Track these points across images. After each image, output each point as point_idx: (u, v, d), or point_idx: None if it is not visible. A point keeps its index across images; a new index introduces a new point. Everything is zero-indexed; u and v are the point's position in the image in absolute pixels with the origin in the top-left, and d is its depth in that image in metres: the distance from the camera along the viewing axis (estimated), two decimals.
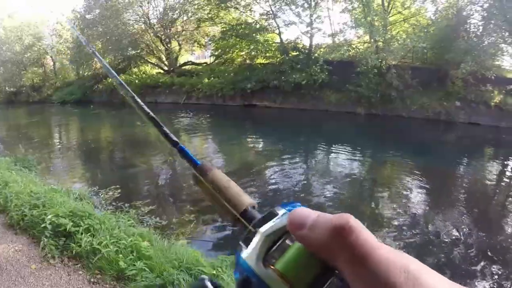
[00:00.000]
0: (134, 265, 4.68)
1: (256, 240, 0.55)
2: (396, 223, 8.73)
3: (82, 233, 5.28)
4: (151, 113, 0.85)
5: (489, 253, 7.38)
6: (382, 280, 0.42)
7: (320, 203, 10.05)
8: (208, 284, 0.65)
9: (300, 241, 0.50)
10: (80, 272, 4.82)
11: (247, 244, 0.56)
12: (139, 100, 0.84)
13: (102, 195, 9.72)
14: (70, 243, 5.19)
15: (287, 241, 0.54)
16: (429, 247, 7.68)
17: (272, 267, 0.52)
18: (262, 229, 0.55)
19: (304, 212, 0.51)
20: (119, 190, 10.08)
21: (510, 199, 11.52)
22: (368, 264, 0.43)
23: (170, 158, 14.80)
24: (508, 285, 6.45)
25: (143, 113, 0.89)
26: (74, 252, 5.05)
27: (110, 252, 4.89)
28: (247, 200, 0.68)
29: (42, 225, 5.52)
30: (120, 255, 4.86)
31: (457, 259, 7.26)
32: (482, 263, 7.05)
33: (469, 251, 7.62)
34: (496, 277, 6.68)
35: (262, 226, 0.56)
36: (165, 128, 0.81)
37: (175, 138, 0.80)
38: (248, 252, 0.54)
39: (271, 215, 0.57)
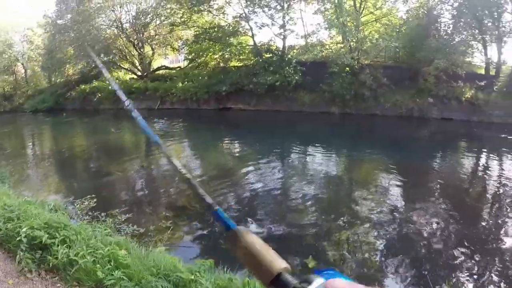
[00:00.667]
0: (112, 274, 4.59)
1: None
2: (375, 219, 8.86)
3: (58, 245, 5.17)
4: (186, 174, 0.87)
5: (466, 244, 7.56)
6: None
7: (299, 204, 10.14)
8: None
9: None
10: (58, 285, 4.76)
11: None
12: (171, 158, 0.86)
13: (78, 205, 9.55)
14: (47, 255, 5.08)
15: None
16: (409, 242, 7.85)
17: None
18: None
19: (339, 285, 0.54)
20: (94, 199, 9.91)
21: (484, 190, 11.79)
22: None
23: (145, 164, 14.76)
24: (485, 275, 6.58)
25: (177, 171, 0.92)
26: (51, 265, 4.95)
27: (87, 262, 4.81)
28: (280, 264, 0.71)
29: (18, 239, 5.38)
30: (98, 265, 4.80)
31: (436, 252, 7.41)
32: (460, 255, 7.20)
33: (447, 243, 7.81)
34: (473, 267, 6.83)
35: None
36: (200, 190, 0.83)
37: (211, 201, 0.83)
38: None
39: (307, 283, 0.62)
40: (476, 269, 6.78)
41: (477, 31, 26.35)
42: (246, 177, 12.74)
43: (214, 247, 7.43)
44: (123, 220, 8.47)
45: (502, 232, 8.36)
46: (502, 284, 6.31)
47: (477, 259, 7.06)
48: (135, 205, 10.02)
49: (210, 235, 8.02)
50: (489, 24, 26.20)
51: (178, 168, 0.89)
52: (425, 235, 8.13)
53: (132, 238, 7.12)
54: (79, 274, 4.71)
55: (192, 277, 4.35)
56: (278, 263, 0.71)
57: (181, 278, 4.34)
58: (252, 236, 0.77)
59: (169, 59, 41.45)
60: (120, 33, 34.20)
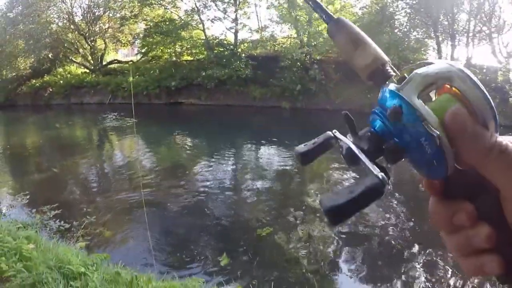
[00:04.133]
0: (13, 266, 4.61)
1: (412, 79, 0.57)
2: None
3: None
4: None
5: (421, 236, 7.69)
6: None
7: (253, 197, 10.33)
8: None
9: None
10: None
11: (398, 82, 0.60)
12: None
13: (11, 202, 9.54)
14: None
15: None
16: (363, 236, 7.99)
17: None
18: (420, 70, 0.58)
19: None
20: (28, 196, 9.86)
21: None
22: None
23: (90, 161, 14.54)
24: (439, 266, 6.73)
25: None
26: None
27: None
28: (384, 56, 0.68)
29: None
30: (3, 258, 4.79)
31: (390, 246, 7.60)
32: (416, 248, 7.36)
33: (401, 237, 7.97)
34: (431, 260, 7.02)
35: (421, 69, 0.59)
36: None
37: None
38: (402, 87, 0.57)
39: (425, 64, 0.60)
40: (432, 261, 6.94)
41: (431, 29, 27.05)
42: (199, 172, 12.79)
43: (131, 240, 7.54)
44: (51, 216, 8.38)
45: None
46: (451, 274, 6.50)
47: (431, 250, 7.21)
48: (66, 201, 9.89)
49: (134, 230, 8.01)
50: (445, 22, 26.95)
51: None
52: (380, 228, 8.35)
53: (56, 233, 7.13)
54: None
55: (83, 269, 4.34)
56: (383, 54, 0.68)
57: (71, 270, 4.32)
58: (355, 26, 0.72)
59: (124, 53, 40.82)
60: (71, 25, 33.36)
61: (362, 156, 0.58)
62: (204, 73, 26.64)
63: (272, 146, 16.70)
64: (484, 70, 25.67)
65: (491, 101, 0.54)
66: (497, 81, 24.48)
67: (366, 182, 0.53)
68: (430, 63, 0.59)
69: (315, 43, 26.37)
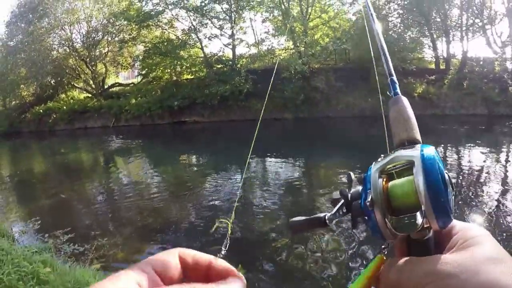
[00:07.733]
0: None
1: (388, 157, 0.74)
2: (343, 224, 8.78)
3: None
4: None
5: None
6: None
7: (264, 210, 10.33)
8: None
9: None
10: None
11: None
12: None
13: (23, 228, 9.59)
14: None
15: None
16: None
17: (384, 179, 0.72)
18: (398, 152, 0.74)
19: None
20: (39, 222, 9.93)
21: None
22: None
23: (97, 184, 14.63)
24: None
25: None
26: None
27: (12, 280, 4.90)
28: (417, 134, 0.82)
29: None
30: (20, 282, 4.90)
31: None
32: None
33: None
34: None
35: (401, 150, 0.74)
36: None
37: None
38: (377, 163, 0.75)
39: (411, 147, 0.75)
40: None
41: (425, 27, 27.20)
42: (206, 189, 12.74)
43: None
44: (64, 240, 8.43)
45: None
46: None
47: None
48: (77, 225, 9.94)
49: (148, 250, 8.09)
50: (438, 19, 27.10)
51: None
52: None
53: (70, 256, 7.20)
54: None
55: None
56: (416, 132, 0.82)
57: None
58: (408, 104, 0.87)
59: (125, 76, 41.16)
60: (72, 51, 33.78)
61: (339, 204, 0.78)
62: (207, 91, 26.88)
63: (278, 158, 16.72)
64: (481, 62, 25.78)
65: (438, 194, 0.64)
66: (494, 72, 24.56)
67: (319, 215, 0.78)
68: (412, 147, 0.75)
69: (312, 51, 26.50)
